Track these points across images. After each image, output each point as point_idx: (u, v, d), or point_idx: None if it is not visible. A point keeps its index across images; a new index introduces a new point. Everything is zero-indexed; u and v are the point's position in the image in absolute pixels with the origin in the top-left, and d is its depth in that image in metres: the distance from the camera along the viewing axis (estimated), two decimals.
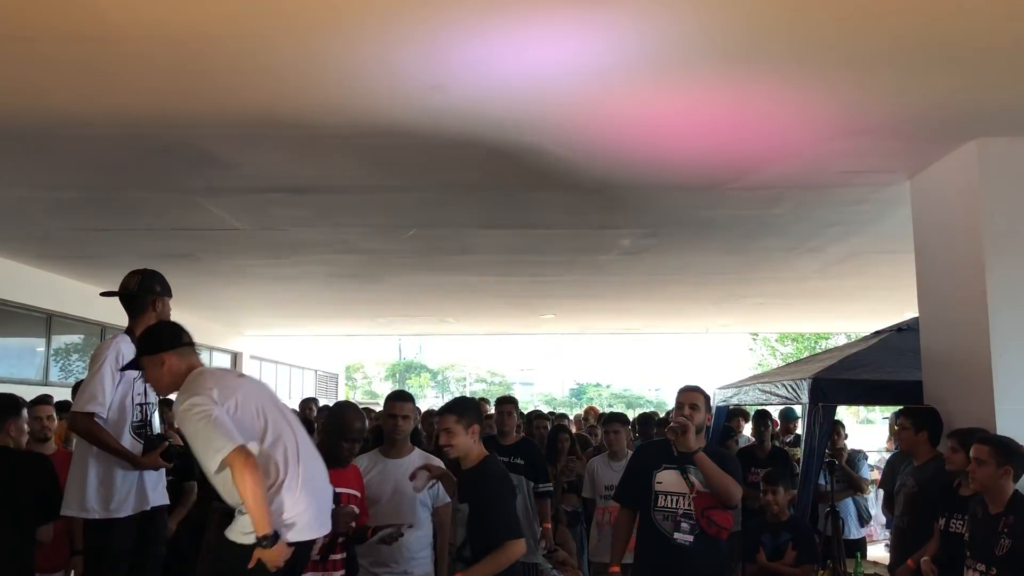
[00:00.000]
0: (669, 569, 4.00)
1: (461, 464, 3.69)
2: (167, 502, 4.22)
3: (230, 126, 4.61)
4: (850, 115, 4.46)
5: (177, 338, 3.32)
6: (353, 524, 3.83)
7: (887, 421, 10.82)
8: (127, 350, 3.97)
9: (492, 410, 8.12)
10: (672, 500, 4.05)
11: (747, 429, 8.15)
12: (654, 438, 6.44)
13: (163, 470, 4.15)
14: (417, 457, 4.33)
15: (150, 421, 4.05)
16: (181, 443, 3.98)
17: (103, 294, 4.46)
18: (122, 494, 3.91)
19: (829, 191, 6.13)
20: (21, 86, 4.04)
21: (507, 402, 5.99)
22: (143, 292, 4.12)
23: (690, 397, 4.13)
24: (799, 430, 8.30)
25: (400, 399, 4.37)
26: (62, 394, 7.21)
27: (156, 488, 4.07)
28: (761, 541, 5.11)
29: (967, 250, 4.80)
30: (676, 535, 3.96)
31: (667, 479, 4.08)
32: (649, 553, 4.10)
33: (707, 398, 4.23)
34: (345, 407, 4.19)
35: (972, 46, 3.62)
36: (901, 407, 5.04)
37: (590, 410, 12.43)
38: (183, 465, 5.37)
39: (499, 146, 4.96)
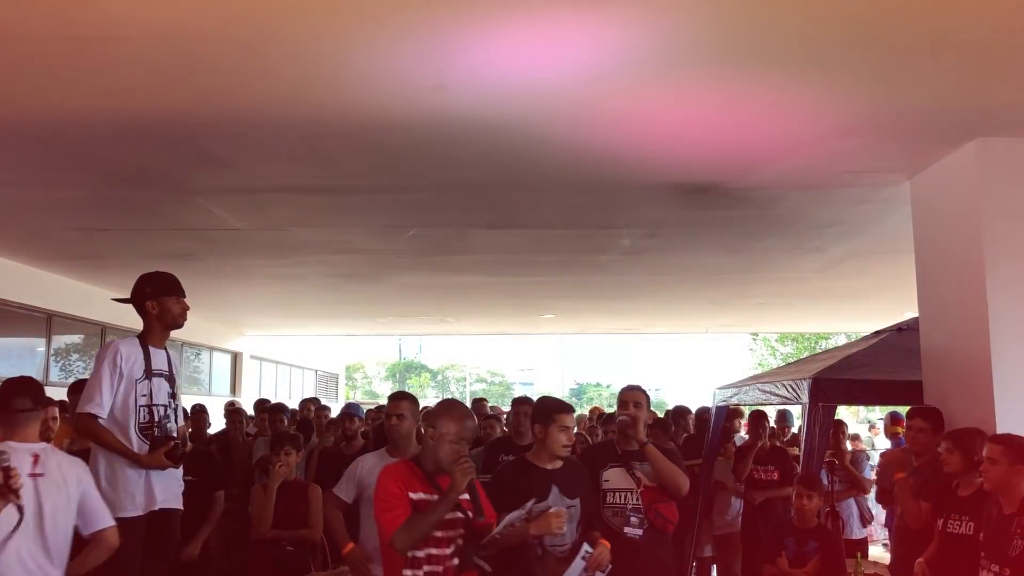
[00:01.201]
0: (619, 563, 4.03)
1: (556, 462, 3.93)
2: (179, 506, 4.17)
3: (230, 126, 4.61)
4: (850, 115, 4.45)
5: (5, 403, 3.26)
6: (461, 536, 3.29)
7: (881, 422, 10.80)
8: (126, 351, 4.03)
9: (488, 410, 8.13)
10: (620, 496, 4.20)
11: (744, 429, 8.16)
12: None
13: (180, 475, 4.16)
14: None
15: (160, 422, 4.05)
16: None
17: (115, 300, 4.55)
18: (128, 493, 3.93)
19: (829, 191, 6.13)
20: (21, 86, 4.04)
21: (524, 403, 6.02)
22: (134, 296, 4.18)
23: (633, 396, 4.37)
24: (794, 431, 8.31)
25: (395, 399, 4.44)
26: (63, 394, 7.21)
27: (167, 490, 4.07)
28: (785, 544, 5.04)
29: (967, 250, 4.80)
30: (626, 529, 4.09)
31: (614, 477, 4.24)
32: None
33: (648, 398, 4.48)
34: (454, 405, 3.54)
35: (972, 46, 3.62)
36: (909, 407, 5.02)
37: (594, 410, 12.42)
38: (208, 473, 5.39)
39: (499, 146, 4.96)
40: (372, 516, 3.78)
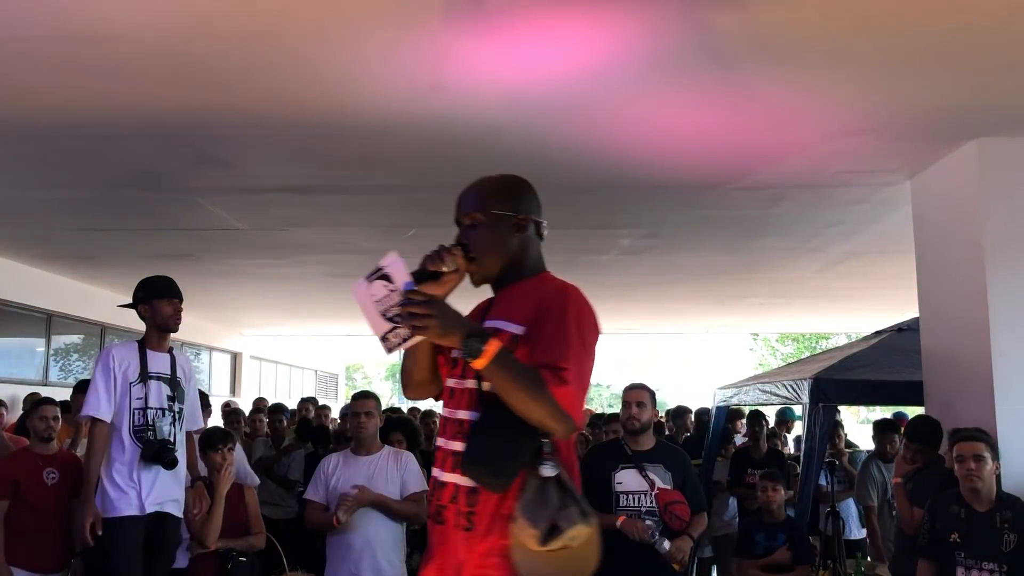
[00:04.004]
0: (631, 566, 3.94)
1: None
2: (178, 513, 4.15)
3: (230, 126, 4.61)
4: (850, 115, 4.45)
5: None
6: None
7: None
8: (119, 355, 4.08)
9: None
10: (634, 499, 4.09)
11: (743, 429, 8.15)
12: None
13: (182, 478, 4.16)
14: (387, 453, 4.41)
15: (155, 425, 4.06)
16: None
17: (120, 306, 4.61)
18: (124, 492, 3.96)
19: (829, 191, 6.13)
20: (21, 86, 4.04)
21: None
22: (132, 301, 4.23)
23: (636, 395, 4.26)
24: (797, 431, 8.29)
25: (361, 397, 4.46)
26: (62, 394, 7.21)
27: (166, 493, 4.07)
28: (755, 540, 5.11)
29: (967, 250, 4.80)
30: (656, 547, 3.92)
31: (626, 479, 4.12)
32: (611, 552, 4.11)
33: (652, 395, 4.36)
34: None
35: (972, 46, 3.62)
36: (902, 432, 5.01)
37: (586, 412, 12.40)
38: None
39: (499, 146, 4.96)
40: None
